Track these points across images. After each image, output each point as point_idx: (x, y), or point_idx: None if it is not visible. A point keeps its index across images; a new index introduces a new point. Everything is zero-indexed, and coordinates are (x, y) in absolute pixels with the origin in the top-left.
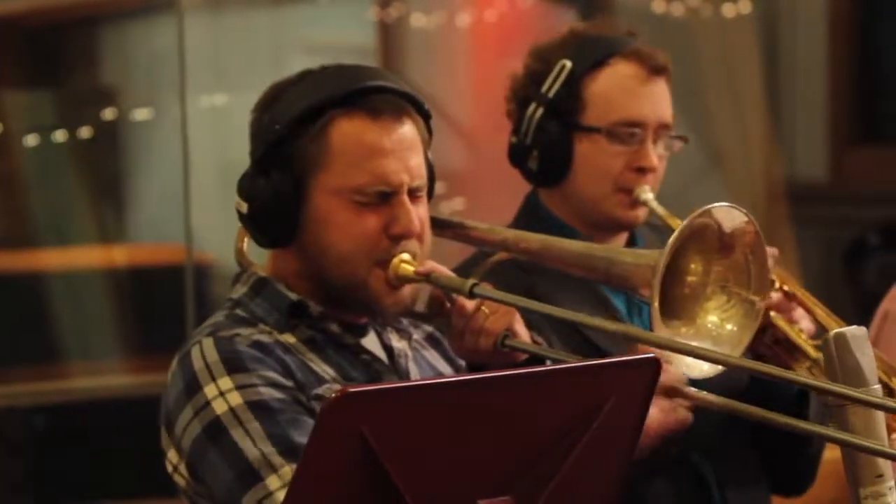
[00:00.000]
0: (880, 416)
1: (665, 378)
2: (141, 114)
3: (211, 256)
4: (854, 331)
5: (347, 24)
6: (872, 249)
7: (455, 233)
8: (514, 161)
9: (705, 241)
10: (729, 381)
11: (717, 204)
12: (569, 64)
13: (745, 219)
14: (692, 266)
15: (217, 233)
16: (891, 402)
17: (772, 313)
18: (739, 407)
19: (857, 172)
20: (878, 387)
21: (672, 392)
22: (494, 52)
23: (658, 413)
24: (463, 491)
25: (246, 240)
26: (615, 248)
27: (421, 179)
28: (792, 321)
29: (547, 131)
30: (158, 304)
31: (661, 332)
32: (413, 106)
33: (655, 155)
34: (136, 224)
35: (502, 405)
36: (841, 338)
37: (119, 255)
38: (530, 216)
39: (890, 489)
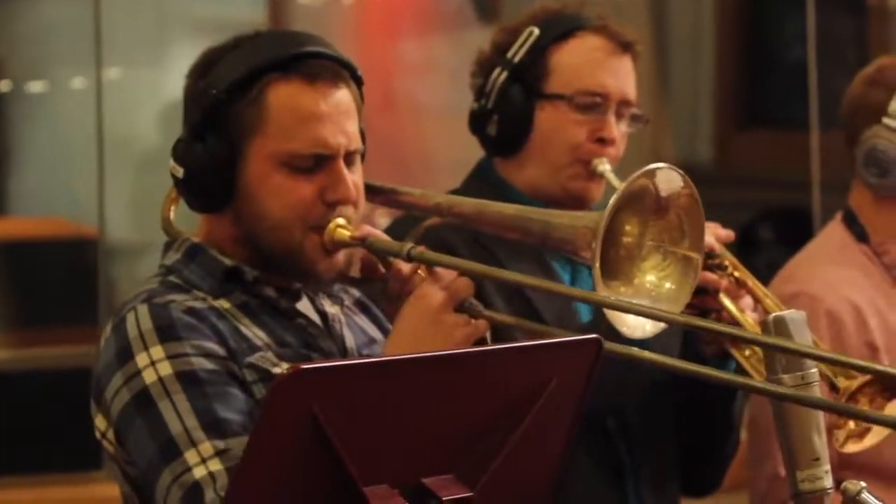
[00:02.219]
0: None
1: (464, 287)
2: (31, 87)
3: (94, 231)
4: (793, 314)
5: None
6: (764, 243)
7: (387, 199)
8: (473, 127)
9: (642, 204)
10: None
11: (656, 165)
12: (536, 31)
13: (682, 183)
14: (627, 227)
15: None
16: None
17: (721, 297)
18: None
19: (743, 157)
20: (815, 370)
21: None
22: (380, 30)
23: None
24: (408, 468)
25: (173, 208)
26: (551, 210)
27: (357, 144)
28: (740, 308)
29: (509, 96)
30: (39, 279)
31: (603, 292)
32: (348, 71)
33: (616, 129)
34: (17, 197)
35: (448, 383)
36: (780, 321)
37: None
38: (483, 184)
39: (826, 472)
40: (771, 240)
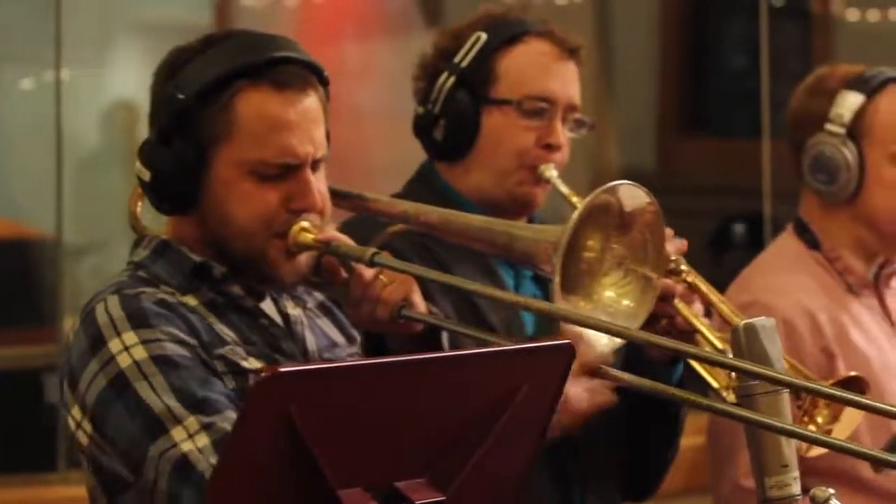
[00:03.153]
0: (787, 403)
1: (588, 358)
2: None
3: (38, 231)
4: (764, 321)
5: (180, 1)
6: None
7: (354, 204)
8: (418, 132)
9: (605, 219)
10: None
11: (621, 182)
12: (484, 36)
13: (647, 199)
14: (590, 242)
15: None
16: (800, 381)
17: (676, 302)
18: (662, 389)
19: (685, 163)
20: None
21: (597, 373)
22: (323, 32)
23: (585, 393)
24: (382, 472)
25: (140, 204)
26: (515, 223)
27: (323, 150)
28: (695, 314)
29: (456, 101)
30: None
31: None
32: (315, 75)
33: (563, 134)
34: None
35: (422, 387)
36: (751, 328)
37: None
38: (425, 188)
39: (794, 479)
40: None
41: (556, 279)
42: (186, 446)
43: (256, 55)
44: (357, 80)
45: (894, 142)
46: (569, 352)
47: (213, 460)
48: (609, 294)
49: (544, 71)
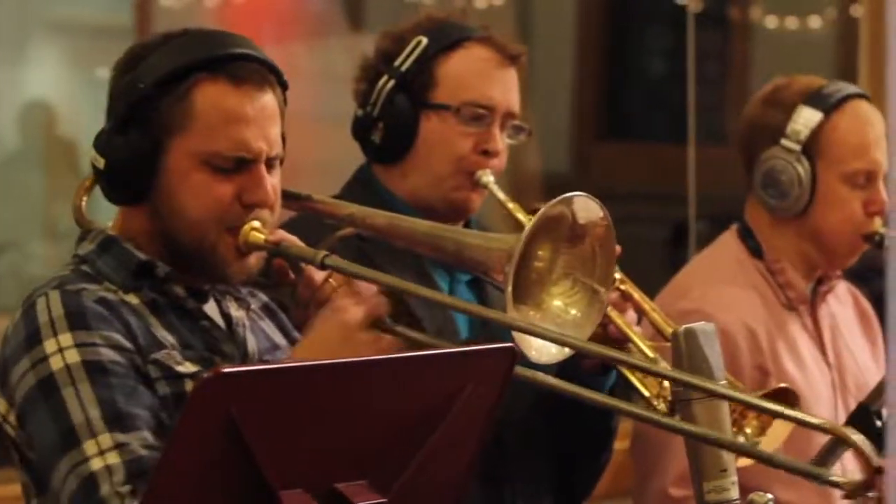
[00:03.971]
0: (726, 411)
1: (382, 306)
2: None
3: None
4: (704, 326)
5: (98, 0)
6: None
7: (302, 205)
8: (356, 134)
9: (558, 229)
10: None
11: (575, 193)
12: (424, 41)
13: (601, 213)
14: (540, 252)
15: None
16: (739, 394)
17: (609, 311)
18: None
19: (602, 168)
20: (724, 382)
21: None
22: (242, 34)
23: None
24: (323, 473)
25: (85, 198)
26: (463, 229)
27: (278, 149)
28: (628, 323)
29: (396, 104)
30: None
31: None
32: (274, 76)
33: (501, 141)
34: None
35: (364, 389)
36: (691, 333)
37: None
38: (363, 190)
39: (733, 484)
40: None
41: (509, 289)
42: (96, 464)
43: (216, 49)
44: None
45: (849, 162)
46: (511, 355)
47: (118, 483)
48: (557, 303)
49: (484, 77)
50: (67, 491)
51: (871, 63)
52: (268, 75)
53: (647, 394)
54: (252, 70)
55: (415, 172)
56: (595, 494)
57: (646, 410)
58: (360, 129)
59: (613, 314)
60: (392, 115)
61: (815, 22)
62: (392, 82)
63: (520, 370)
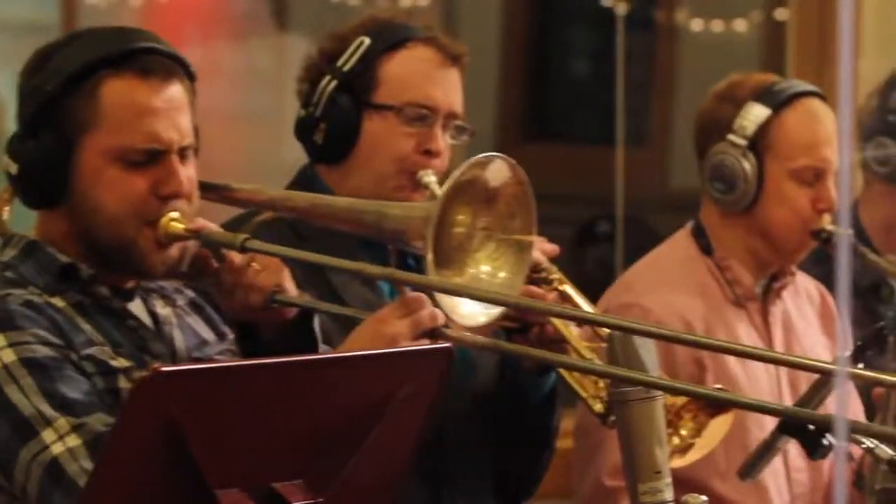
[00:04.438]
0: (661, 412)
1: (428, 320)
2: None
3: None
4: None
5: None
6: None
7: (220, 195)
8: (299, 134)
9: (473, 193)
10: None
11: (487, 154)
12: (367, 41)
13: (510, 172)
14: (459, 217)
15: None
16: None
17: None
18: (506, 346)
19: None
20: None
21: (435, 334)
22: (167, 33)
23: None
24: (260, 473)
25: (6, 208)
26: (383, 202)
27: (190, 139)
28: (564, 322)
29: (338, 104)
30: None
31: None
32: (180, 67)
33: (443, 141)
34: None
35: (301, 389)
36: (627, 337)
37: None
38: (305, 190)
39: (667, 485)
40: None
41: (430, 255)
42: (57, 448)
43: (120, 45)
44: (200, 81)
45: (795, 158)
46: (448, 354)
47: (84, 462)
48: (484, 268)
49: (426, 78)
50: (33, 480)
51: (798, 65)
52: (174, 67)
53: (583, 394)
54: (158, 62)
55: (357, 172)
56: (541, 493)
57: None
58: (303, 130)
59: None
60: (334, 115)
61: (740, 25)
62: (334, 82)
63: (451, 333)
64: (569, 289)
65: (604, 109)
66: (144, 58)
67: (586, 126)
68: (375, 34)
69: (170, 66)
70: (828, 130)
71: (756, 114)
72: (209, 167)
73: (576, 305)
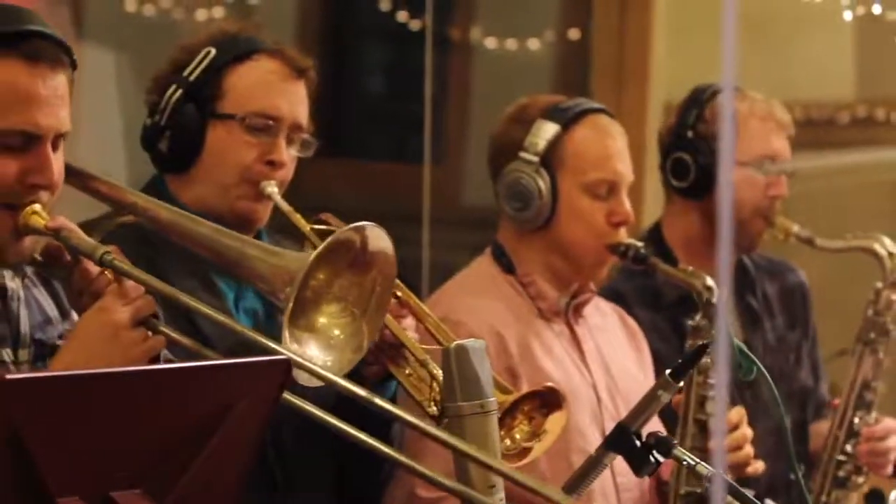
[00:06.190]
0: (494, 424)
1: (146, 307)
2: None
3: None
4: (474, 343)
5: None
6: None
7: (83, 183)
8: (144, 143)
9: (342, 254)
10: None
11: (370, 224)
12: (213, 51)
13: (390, 251)
14: (320, 274)
15: None
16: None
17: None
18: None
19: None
20: (494, 399)
21: (151, 322)
22: None
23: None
24: (99, 481)
25: None
26: (247, 239)
27: (66, 127)
28: (402, 327)
29: (183, 114)
30: None
31: (287, 335)
32: (67, 56)
33: (287, 153)
34: None
35: (141, 399)
36: (462, 349)
37: None
38: (154, 198)
39: (501, 500)
40: None
41: (287, 315)
42: None
43: (8, 25)
44: None
45: (587, 172)
46: (285, 366)
47: None
48: (322, 320)
49: (271, 89)
50: None
51: (599, 83)
52: (62, 55)
53: (419, 398)
54: (46, 48)
55: (201, 181)
56: None
57: (416, 420)
58: (148, 139)
59: (388, 319)
60: (178, 124)
61: (533, 44)
62: (180, 91)
63: (288, 396)
64: (405, 294)
65: (401, 126)
66: (34, 41)
67: (380, 142)
68: (222, 45)
69: (58, 54)
70: (618, 145)
71: (546, 130)
72: None
73: (414, 312)
